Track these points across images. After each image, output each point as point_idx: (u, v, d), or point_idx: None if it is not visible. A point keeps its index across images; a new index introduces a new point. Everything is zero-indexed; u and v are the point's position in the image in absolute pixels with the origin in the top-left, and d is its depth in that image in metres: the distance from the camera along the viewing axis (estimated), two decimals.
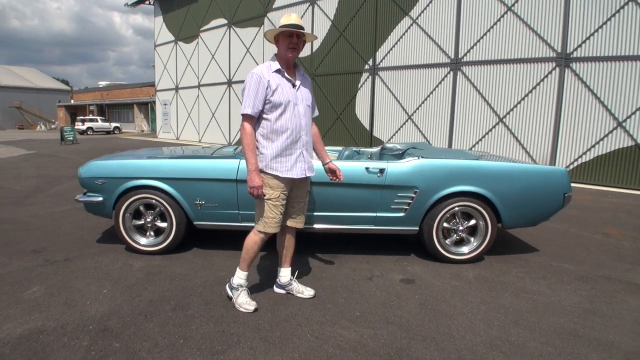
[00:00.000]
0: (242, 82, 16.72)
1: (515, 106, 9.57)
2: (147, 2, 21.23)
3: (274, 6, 14.94)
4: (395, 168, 3.41)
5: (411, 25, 11.26)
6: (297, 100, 2.55)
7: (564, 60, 8.71)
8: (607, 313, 2.68)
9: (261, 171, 2.50)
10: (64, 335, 2.30)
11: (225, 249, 3.77)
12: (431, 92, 11.09)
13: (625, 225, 5.08)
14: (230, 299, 2.65)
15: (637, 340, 2.34)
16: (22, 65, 54.14)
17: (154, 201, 3.48)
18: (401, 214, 3.46)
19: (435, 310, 2.66)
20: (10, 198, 6.02)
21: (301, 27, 2.49)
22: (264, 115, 2.50)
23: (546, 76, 9.01)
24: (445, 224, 3.53)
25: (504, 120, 9.78)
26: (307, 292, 2.82)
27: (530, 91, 9.29)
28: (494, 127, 9.99)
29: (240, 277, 2.62)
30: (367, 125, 12.70)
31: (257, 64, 15.18)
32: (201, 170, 3.42)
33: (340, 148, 4.69)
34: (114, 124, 32.83)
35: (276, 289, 2.88)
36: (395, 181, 3.39)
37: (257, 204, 2.59)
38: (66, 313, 2.55)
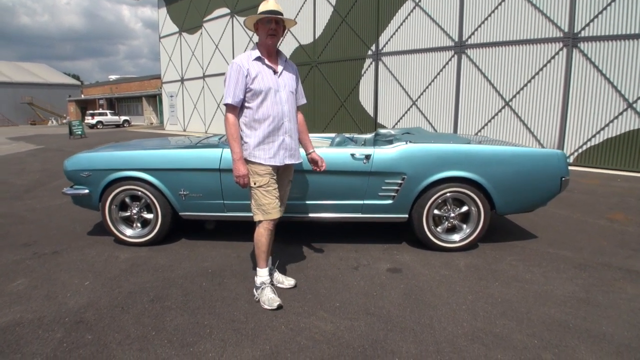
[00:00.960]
0: None
1: (522, 89, 9.30)
2: None
3: None
4: (382, 154, 3.31)
5: (414, 8, 10.98)
6: (279, 87, 2.51)
7: (571, 40, 8.41)
8: (603, 302, 2.56)
9: (246, 160, 2.48)
10: (39, 327, 2.29)
11: (213, 239, 3.73)
12: (435, 77, 10.86)
13: (633, 210, 4.90)
14: (257, 299, 2.55)
15: (631, 332, 2.22)
16: (33, 62, 54.58)
17: (139, 193, 3.45)
18: (389, 201, 3.37)
19: (419, 301, 2.58)
20: (11, 192, 6.08)
21: (279, 13, 2.45)
22: (246, 104, 2.48)
23: (553, 57, 8.72)
24: (436, 211, 3.43)
25: (510, 103, 9.53)
26: (287, 282, 2.77)
27: (537, 73, 9.01)
28: (500, 111, 9.75)
29: (260, 275, 2.56)
30: (371, 112, 12.52)
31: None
32: (184, 160, 3.36)
33: (332, 135, 4.59)
34: (123, 117, 33.10)
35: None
36: (381, 167, 3.29)
37: (251, 195, 2.53)
38: (45, 305, 2.54)
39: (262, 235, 2.52)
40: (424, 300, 2.58)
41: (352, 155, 3.30)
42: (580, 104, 8.48)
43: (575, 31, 8.35)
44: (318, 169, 2.80)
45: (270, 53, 2.54)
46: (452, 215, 3.43)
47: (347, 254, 3.40)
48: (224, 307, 2.49)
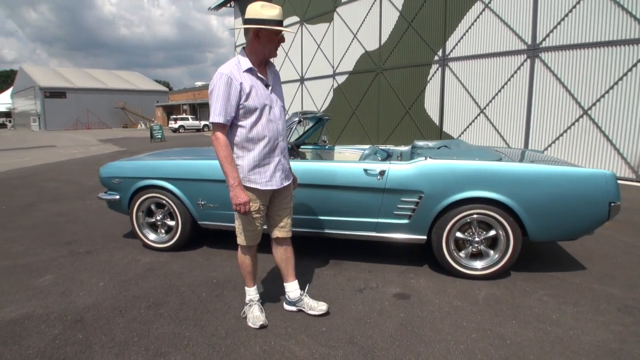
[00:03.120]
0: (313, 79, 17.00)
1: (603, 96, 8.25)
2: (229, 4, 22.39)
3: (343, 0, 14.78)
4: (398, 170, 3.10)
5: (483, 10, 10.31)
6: (272, 103, 2.29)
7: None
8: (637, 358, 2.13)
9: None
10: (44, 322, 2.48)
11: (232, 249, 3.77)
12: (505, 83, 10.07)
13: None
14: (245, 317, 2.50)
15: None
16: (128, 70, 61.03)
17: (163, 201, 3.62)
18: (405, 221, 3.15)
19: (414, 334, 2.35)
20: (78, 193, 6.76)
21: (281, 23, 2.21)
22: (238, 122, 2.22)
23: (639, 60, 7.64)
24: (459, 234, 3.13)
25: (589, 112, 8.52)
26: (319, 307, 2.56)
27: (621, 78, 7.94)
28: (577, 120, 8.75)
29: (248, 293, 2.52)
30: (436, 120, 11.98)
31: (328, 60, 14.90)
32: (200, 171, 3.46)
33: (367, 147, 4.44)
34: (203, 122, 35.47)
35: (286, 307, 2.64)
36: (397, 184, 3.09)
37: (236, 217, 2.38)
38: (57, 302, 2.75)
39: (246, 258, 2.44)
40: (419, 334, 2.35)
41: (366, 170, 3.14)
42: None
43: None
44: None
45: (260, 62, 2.28)
46: (477, 239, 3.11)
47: (358, 274, 3.24)
48: (211, 319, 2.50)
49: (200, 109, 41.23)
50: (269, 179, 2.31)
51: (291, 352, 2.16)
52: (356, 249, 3.78)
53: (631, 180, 7.92)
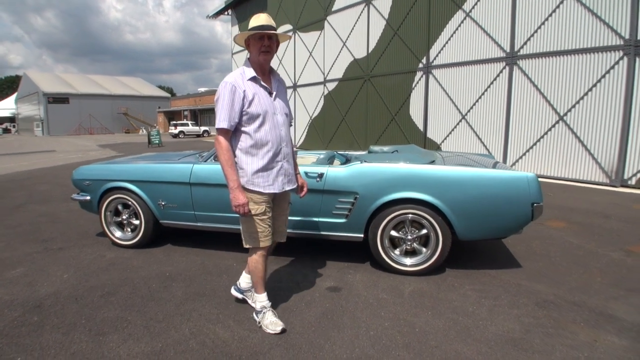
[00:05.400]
0: (305, 86, 17.33)
1: (578, 102, 8.52)
2: (226, 12, 22.89)
3: (333, 9, 15.15)
4: (334, 173, 3.39)
5: (464, 19, 10.62)
6: (276, 110, 2.40)
7: (634, 48, 7.55)
8: (535, 347, 2.30)
9: (243, 187, 2.36)
10: (7, 307, 2.78)
11: (193, 246, 4.07)
12: (486, 90, 10.36)
13: None
14: (259, 324, 2.52)
15: None
16: (135, 76, 61.86)
17: (128, 201, 3.92)
18: (343, 220, 3.43)
19: (332, 322, 2.60)
20: (64, 195, 7.07)
21: (272, 28, 2.33)
22: (242, 128, 2.33)
23: (612, 67, 7.90)
24: (393, 232, 3.40)
25: (564, 118, 8.78)
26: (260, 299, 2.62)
27: (595, 85, 8.20)
28: (553, 126, 9.02)
29: (260, 300, 2.55)
30: (421, 126, 12.27)
31: (319, 67, 15.26)
32: (160, 173, 3.77)
33: (323, 152, 4.73)
34: (203, 128, 35.92)
35: (234, 292, 2.83)
36: (334, 186, 3.38)
37: (242, 221, 2.44)
38: (23, 291, 3.05)
39: (259, 262, 2.49)
40: (336, 322, 2.60)
41: (306, 173, 3.43)
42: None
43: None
44: (299, 195, 2.73)
45: (264, 71, 2.41)
46: (410, 237, 3.38)
47: (299, 269, 3.50)
48: (154, 306, 2.78)
49: (201, 115, 41.76)
50: (271, 183, 2.40)
51: (215, 334, 2.44)
52: (307, 247, 4.05)
53: (605, 184, 8.15)
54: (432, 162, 3.47)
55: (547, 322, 2.60)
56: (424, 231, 3.34)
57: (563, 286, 3.17)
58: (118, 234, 4.03)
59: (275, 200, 2.53)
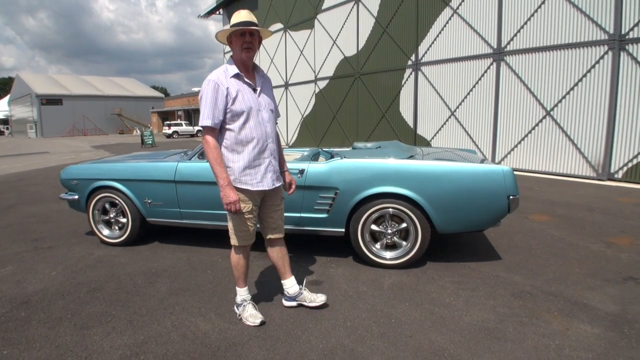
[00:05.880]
0: (297, 84, 17.39)
1: (564, 97, 8.64)
2: (218, 12, 22.86)
3: (323, 7, 15.21)
4: (315, 168, 3.47)
5: (452, 15, 10.71)
6: (260, 106, 2.41)
7: (617, 42, 7.68)
8: (507, 335, 2.36)
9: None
10: None
11: (180, 243, 4.15)
12: (474, 86, 10.46)
13: None
14: (240, 317, 2.59)
15: None
16: (129, 76, 61.61)
17: (115, 200, 3.99)
18: (324, 215, 3.51)
19: (308, 313, 2.67)
20: (56, 195, 7.10)
21: (253, 24, 2.31)
22: (227, 126, 2.34)
23: (597, 62, 8.02)
24: (374, 227, 3.49)
25: (551, 113, 8.90)
26: (318, 299, 2.72)
27: (580, 79, 8.32)
28: (540, 121, 9.14)
29: (240, 294, 2.60)
30: (411, 123, 12.37)
31: (310, 66, 15.29)
32: (146, 172, 3.84)
33: (307, 149, 4.81)
34: (197, 128, 35.88)
35: (286, 303, 2.78)
36: (315, 182, 3.46)
37: (229, 218, 2.46)
38: (11, 288, 3.13)
39: (241, 259, 2.53)
40: (314, 314, 2.67)
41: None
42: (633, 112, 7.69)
43: (624, 32, 7.62)
44: (287, 192, 2.74)
45: (247, 68, 2.40)
46: (389, 231, 3.47)
47: None
48: (138, 301, 2.86)
49: (194, 115, 41.73)
50: (260, 180, 2.41)
51: (196, 326, 2.52)
52: (292, 242, 4.13)
53: (592, 178, 8.27)
54: (412, 157, 3.56)
55: (521, 312, 2.66)
56: (404, 225, 3.42)
57: (540, 277, 3.24)
58: (106, 232, 4.10)
59: (266, 197, 2.53)
